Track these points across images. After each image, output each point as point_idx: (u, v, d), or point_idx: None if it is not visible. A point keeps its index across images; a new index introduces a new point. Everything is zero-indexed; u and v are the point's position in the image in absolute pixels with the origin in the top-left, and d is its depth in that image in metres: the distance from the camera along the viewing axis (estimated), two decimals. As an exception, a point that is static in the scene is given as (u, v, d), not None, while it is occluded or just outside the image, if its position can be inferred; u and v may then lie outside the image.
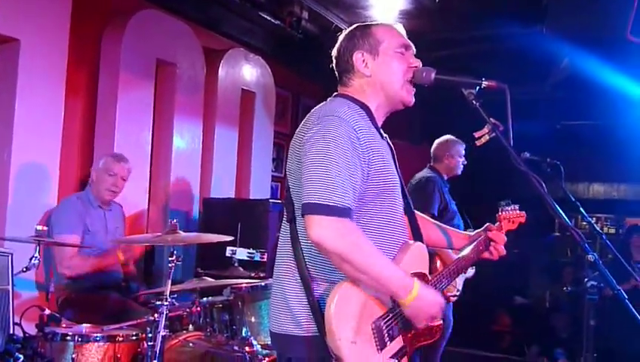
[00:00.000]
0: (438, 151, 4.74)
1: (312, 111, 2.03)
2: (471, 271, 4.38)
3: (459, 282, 4.21)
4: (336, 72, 2.15)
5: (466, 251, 2.30)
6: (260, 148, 6.05)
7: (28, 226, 3.27)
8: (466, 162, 4.74)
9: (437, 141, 4.80)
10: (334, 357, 1.81)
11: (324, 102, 2.06)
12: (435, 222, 2.44)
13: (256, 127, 5.98)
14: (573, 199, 4.35)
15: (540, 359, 6.05)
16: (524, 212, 2.57)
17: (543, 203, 1.98)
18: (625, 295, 1.85)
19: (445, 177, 4.70)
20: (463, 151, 4.72)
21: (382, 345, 1.91)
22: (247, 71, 5.85)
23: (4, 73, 4.04)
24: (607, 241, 4.11)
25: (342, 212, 1.81)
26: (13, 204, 3.96)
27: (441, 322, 2.11)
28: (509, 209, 2.53)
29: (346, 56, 2.10)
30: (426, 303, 1.91)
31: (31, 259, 3.05)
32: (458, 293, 4.22)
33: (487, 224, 2.44)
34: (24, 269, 3.02)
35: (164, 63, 5.04)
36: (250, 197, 5.84)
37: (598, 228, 4.51)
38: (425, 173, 4.69)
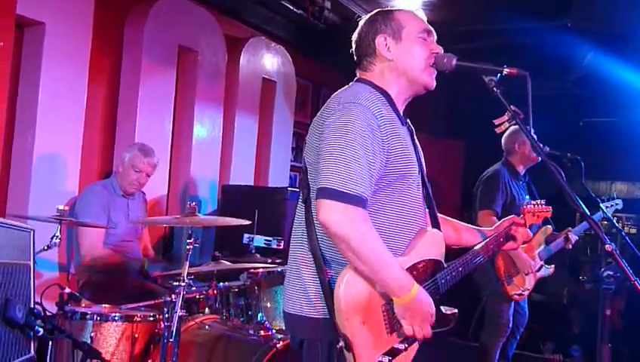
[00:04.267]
0: (508, 143, 4.38)
1: (332, 96, 2.03)
2: (549, 270, 4.34)
3: (527, 281, 4.18)
4: (355, 57, 2.15)
5: (476, 247, 2.27)
6: (280, 137, 6.07)
7: (50, 208, 3.31)
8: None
9: (505, 133, 4.33)
10: (342, 336, 1.82)
11: (345, 87, 2.07)
12: (447, 218, 2.38)
13: (277, 116, 6.00)
14: (594, 195, 4.31)
15: (556, 356, 6.01)
16: (549, 207, 2.56)
17: (563, 194, 1.97)
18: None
19: (521, 169, 4.38)
20: (535, 137, 4.32)
21: (391, 328, 1.92)
22: (269, 60, 5.87)
23: (29, 56, 4.09)
24: (627, 239, 4.07)
25: (356, 200, 1.81)
26: (36, 186, 4.02)
27: (456, 311, 2.11)
28: (534, 203, 2.53)
29: (367, 40, 2.09)
30: (419, 308, 1.89)
31: (52, 238, 3.10)
32: (525, 292, 4.16)
33: (512, 216, 2.43)
34: (45, 248, 3.07)
35: (186, 50, 5.07)
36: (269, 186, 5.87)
37: (618, 226, 4.47)
38: (494, 167, 4.38)
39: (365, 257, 1.82)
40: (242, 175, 5.59)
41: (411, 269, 1.96)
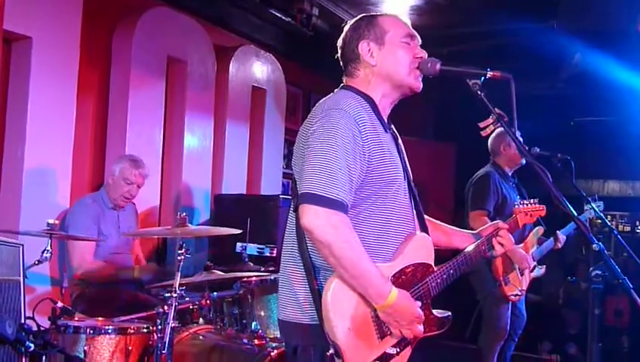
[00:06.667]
0: (494, 145, 4.42)
1: (318, 103, 2.05)
2: (540, 271, 4.36)
3: (523, 281, 4.18)
4: (341, 63, 2.16)
5: (467, 249, 2.23)
6: (271, 144, 6.07)
7: (40, 222, 3.30)
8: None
9: (492, 135, 4.22)
10: (331, 343, 1.82)
11: (330, 95, 2.08)
12: (437, 221, 2.36)
13: (267, 123, 6.00)
14: (585, 194, 4.33)
15: (553, 356, 6.01)
16: (543, 205, 2.55)
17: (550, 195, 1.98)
18: (630, 284, 1.84)
19: (509, 171, 4.42)
20: (521, 139, 4.29)
21: (381, 334, 1.92)
22: (258, 68, 5.87)
23: (17, 70, 4.08)
24: (620, 237, 4.08)
25: (338, 205, 1.83)
26: (26, 200, 4.01)
27: (449, 314, 2.11)
28: (527, 203, 2.53)
29: (351, 46, 2.10)
30: (400, 312, 1.89)
31: (43, 253, 3.09)
32: (520, 293, 4.17)
33: (497, 222, 2.39)
34: (36, 262, 3.05)
35: (175, 60, 5.07)
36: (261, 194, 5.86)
37: (611, 225, 4.49)
38: (484, 169, 4.44)
39: (346, 263, 1.83)
40: (234, 183, 5.58)
41: (399, 274, 1.97)
